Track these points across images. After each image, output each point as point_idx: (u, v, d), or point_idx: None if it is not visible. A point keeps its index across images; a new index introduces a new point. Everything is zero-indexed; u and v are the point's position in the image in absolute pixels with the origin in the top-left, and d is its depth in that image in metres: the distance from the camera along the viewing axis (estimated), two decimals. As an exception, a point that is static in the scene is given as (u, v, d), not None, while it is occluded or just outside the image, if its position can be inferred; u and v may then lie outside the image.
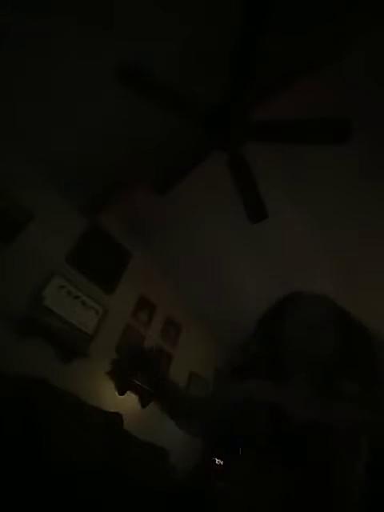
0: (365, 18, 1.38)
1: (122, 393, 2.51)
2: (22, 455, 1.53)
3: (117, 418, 2.36)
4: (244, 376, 0.73)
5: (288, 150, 1.87)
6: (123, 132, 2.23)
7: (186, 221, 2.78)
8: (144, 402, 2.74)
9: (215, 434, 0.70)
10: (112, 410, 2.39)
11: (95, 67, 1.92)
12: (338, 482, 0.57)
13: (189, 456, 2.48)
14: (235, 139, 1.66)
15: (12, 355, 2.10)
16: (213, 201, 2.46)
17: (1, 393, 1.73)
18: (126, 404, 2.64)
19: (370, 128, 1.79)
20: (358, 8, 1.38)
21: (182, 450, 2.68)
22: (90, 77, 1.98)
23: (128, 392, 2.71)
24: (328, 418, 0.59)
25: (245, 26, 1.27)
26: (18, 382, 1.86)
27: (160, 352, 3.12)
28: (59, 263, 2.64)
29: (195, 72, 1.79)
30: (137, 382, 2.50)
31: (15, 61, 1.98)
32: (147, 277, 3.28)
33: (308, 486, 0.56)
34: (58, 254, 2.65)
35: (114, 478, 1.88)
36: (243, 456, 0.63)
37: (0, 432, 1.55)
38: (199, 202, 2.51)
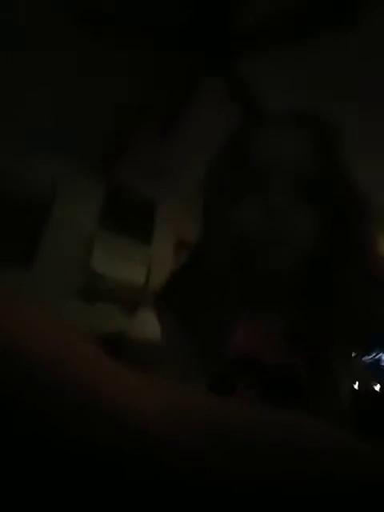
0: None
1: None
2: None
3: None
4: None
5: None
6: (106, 86, 2.10)
7: (196, 154, 2.69)
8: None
9: None
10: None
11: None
12: None
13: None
14: (226, 54, 1.50)
15: (84, 322, 2.38)
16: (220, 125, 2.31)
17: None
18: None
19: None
20: None
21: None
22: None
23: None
24: None
25: None
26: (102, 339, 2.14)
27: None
28: (94, 229, 2.76)
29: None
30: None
31: None
32: (177, 218, 3.32)
33: None
34: (90, 221, 2.76)
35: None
36: None
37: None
38: (206, 131, 2.38)
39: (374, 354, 0.41)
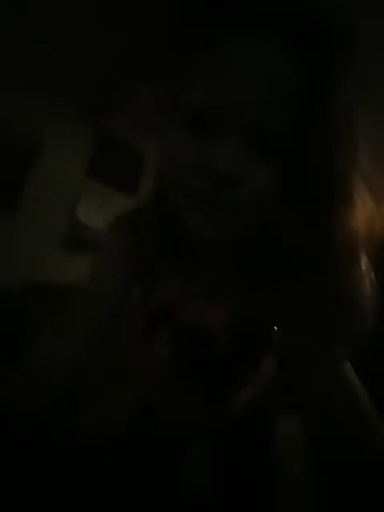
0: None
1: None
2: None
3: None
4: None
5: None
6: (101, 31, 1.95)
7: None
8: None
9: None
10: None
11: None
12: None
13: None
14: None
15: (70, 272, 2.43)
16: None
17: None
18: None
19: None
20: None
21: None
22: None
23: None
24: None
25: None
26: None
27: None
28: (81, 179, 2.71)
29: None
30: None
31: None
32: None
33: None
34: (77, 171, 2.70)
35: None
36: None
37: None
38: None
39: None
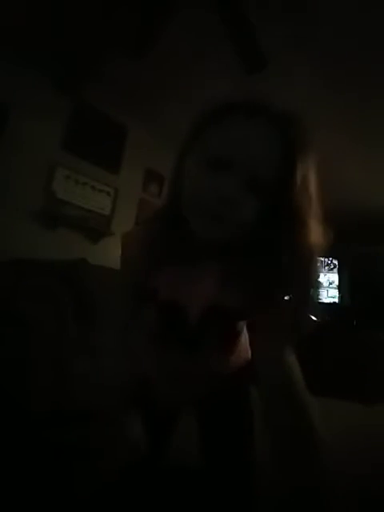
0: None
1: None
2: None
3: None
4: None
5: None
6: None
7: (177, 79, 2.44)
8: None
9: None
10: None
11: None
12: None
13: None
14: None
15: (45, 248, 2.35)
16: (206, 52, 2.08)
17: (47, 276, 2.00)
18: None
19: None
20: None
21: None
22: None
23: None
24: None
25: None
26: (61, 266, 2.13)
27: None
28: (57, 151, 2.57)
29: None
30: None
31: None
32: (149, 148, 3.15)
33: None
34: (53, 142, 2.55)
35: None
36: None
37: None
38: (189, 54, 2.13)
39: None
